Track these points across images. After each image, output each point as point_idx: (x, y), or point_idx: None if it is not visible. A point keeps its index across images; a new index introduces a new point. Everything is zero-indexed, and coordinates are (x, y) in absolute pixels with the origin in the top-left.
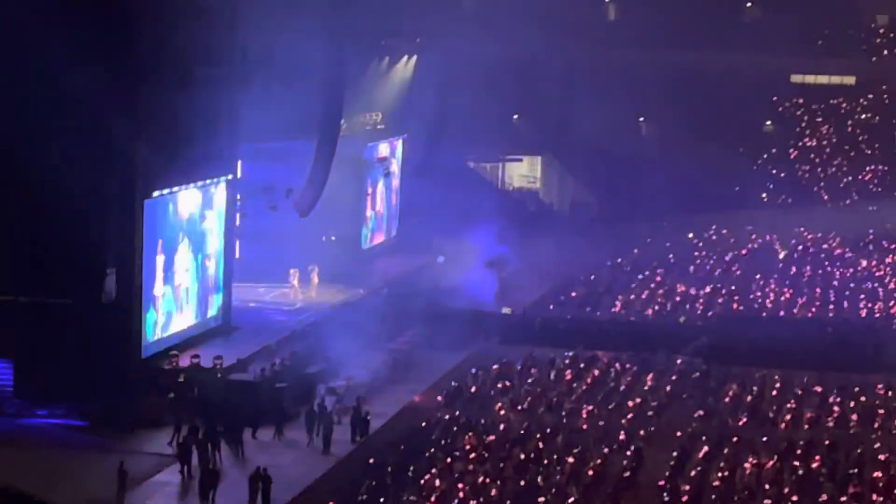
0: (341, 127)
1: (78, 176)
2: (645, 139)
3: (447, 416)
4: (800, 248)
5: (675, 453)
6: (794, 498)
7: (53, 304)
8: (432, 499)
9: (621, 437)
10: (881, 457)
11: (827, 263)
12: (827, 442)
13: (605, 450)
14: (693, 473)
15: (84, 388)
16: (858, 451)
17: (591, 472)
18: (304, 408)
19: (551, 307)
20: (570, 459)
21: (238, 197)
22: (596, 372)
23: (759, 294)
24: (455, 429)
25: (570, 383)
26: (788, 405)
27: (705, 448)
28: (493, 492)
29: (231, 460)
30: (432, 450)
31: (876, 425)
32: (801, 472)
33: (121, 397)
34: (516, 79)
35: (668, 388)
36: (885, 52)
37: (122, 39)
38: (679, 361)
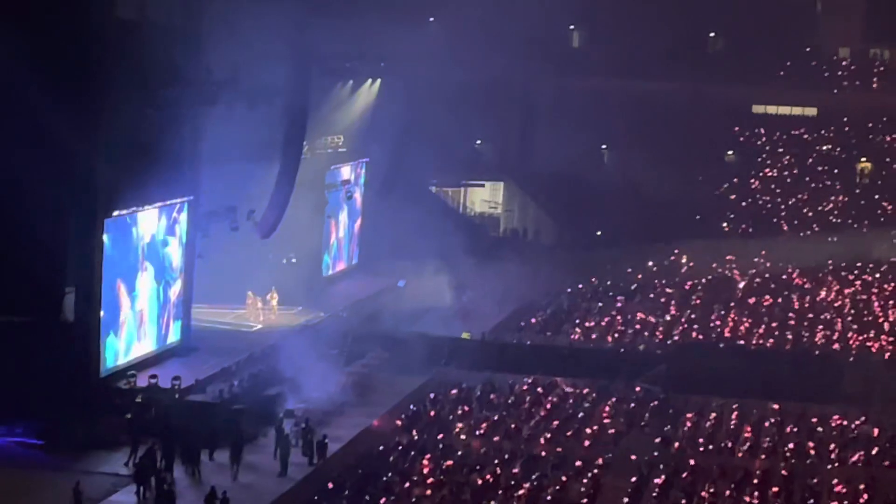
0: (304, 149)
1: (38, 194)
2: (607, 167)
3: (405, 441)
4: (759, 277)
5: (632, 481)
6: None
7: (11, 323)
8: None
9: (579, 463)
10: (837, 488)
11: (786, 293)
12: (784, 472)
13: (563, 477)
14: (650, 501)
15: (41, 406)
16: (815, 480)
17: (548, 499)
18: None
19: (511, 333)
20: (528, 486)
21: (199, 217)
22: (555, 398)
23: (718, 323)
24: (413, 453)
25: (528, 409)
26: (746, 434)
27: (663, 476)
28: None
29: (188, 481)
30: (389, 474)
31: (832, 456)
32: (757, 501)
33: (78, 417)
34: (479, 104)
35: (626, 415)
36: (847, 83)
37: (85, 58)
38: (638, 389)
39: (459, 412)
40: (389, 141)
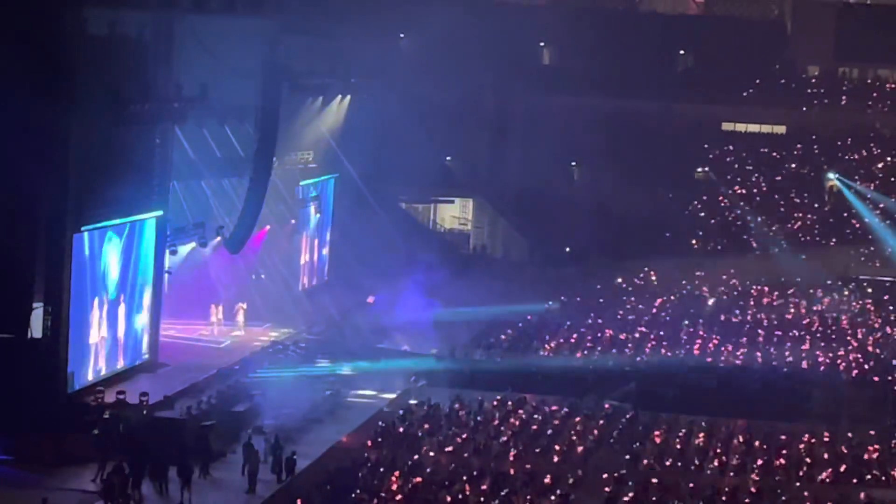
0: (274, 165)
1: (6, 209)
2: (577, 184)
3: (374, 458)
4: (728, 294)
5: (601, 498)
6: None
7: None
8: None
9: (548, 480)
10: None
11: (755, 310)
12: (752, 489)
13: (532, 494)
14: None
15: (8, 422)
16: (783, 498)
17: None
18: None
19: (480, 350)
20: (497, 502)
21: (168, 233)
22: (524, 415)
23: (686, 339)
24: (382, 470)
25: (497, 426)
26: (714, 451)
27: (631, 493)
28: None
29: (155, 498)
30: (358, 491)
31: (801, 473)
32: None
33: (45, 433)
34: (449, 121)
35: (595, 432)
36: (816, 102)
37: (55, 72)
38: (607, 406)
39: (428, 428)
40: (359, 157)
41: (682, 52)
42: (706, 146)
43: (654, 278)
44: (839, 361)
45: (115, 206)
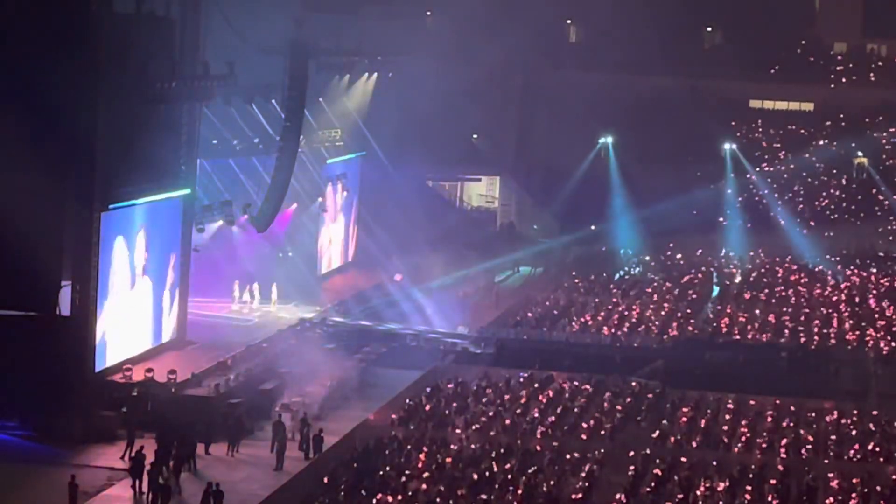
0: (301, 143)
1: (35, 188)
2: (604, 161)
3: (401, 435)
4: (755, 272)
5: (628, 475)
6: None
7: (7, 317)
8: None
9: (575, 457)
10: (833, 483)
11: (782, 288)
12: (780, 467)
13: (559, 471)
14: (646, 496)
15: (36, 400)
16: (811, 475)
17: (544, 493)
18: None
19: (507, 328)
20: (524, 480)
21: (196, 211)
22: (551, 393)
23: (714, 317)
24: (409, 448)
25: (524, 404)
26: (742, 429)
27: (659, 470)
28: None
29: (183, 475)
30: (386, 468)
31: (829, 450)
32: (753, 496)
33: (74, 410)
34: (476, 98)
35: (622, 409)
36: (844, 79)
37: (82, 51)
38: (634, 383)
39: (455, 406)
40: (386, 135)
41: (709, 28)
42: (734, 123)
43: (680, 256)
44: (867, 338)
45: (142, 185)
